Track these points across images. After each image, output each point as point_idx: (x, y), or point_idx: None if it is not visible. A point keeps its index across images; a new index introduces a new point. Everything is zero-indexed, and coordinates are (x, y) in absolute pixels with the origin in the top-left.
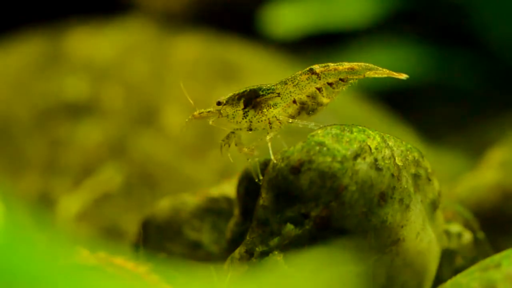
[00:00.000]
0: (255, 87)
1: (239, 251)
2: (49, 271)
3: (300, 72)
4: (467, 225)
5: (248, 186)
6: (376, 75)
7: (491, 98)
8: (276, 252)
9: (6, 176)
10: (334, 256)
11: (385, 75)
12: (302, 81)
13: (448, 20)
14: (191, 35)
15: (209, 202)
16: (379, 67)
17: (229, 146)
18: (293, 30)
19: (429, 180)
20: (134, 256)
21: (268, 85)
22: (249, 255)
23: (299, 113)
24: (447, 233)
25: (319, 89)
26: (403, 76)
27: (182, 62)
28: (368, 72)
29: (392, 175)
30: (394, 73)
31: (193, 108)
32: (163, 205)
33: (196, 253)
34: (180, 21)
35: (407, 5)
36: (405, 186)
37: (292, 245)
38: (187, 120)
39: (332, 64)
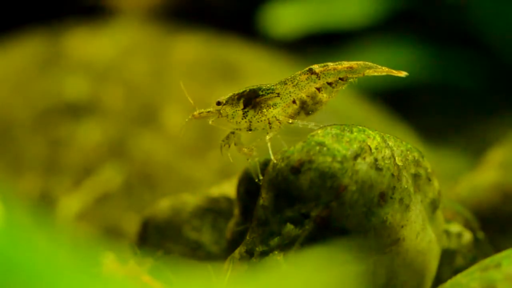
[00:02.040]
0: (254, 87)
1: (239, 251)
2: (50, 271)
3: (299, 72)
4: (467, 225)
5: (248, 186)
6: (376, 73)
7: (491, 98)
8: (276, 252)
9: (6, 176)
10: (334, 256)
11: (385, 73)
12: (302, 81)
13: (448, 20)
14: (191, 35)
15: (209, 202)
16: (378, 65)
17: (229, 146)
18: (293, 29)
19: (429, 180)
20: (134, 256)
21: (268, 85)
22: (249, 255)
23: (298, 113)
24: (447, 233)
25: (318, 89)
26: (403, 74)
27: (182, 62)
28: (367, 71)
29: (392, 175)
30: (394, 71)
31: (193, 108)
32: (163, 205)
33: (196, 253)
34: (161, 18)
35: (407, 5)
36: (405, 186)
37: (292, 245)
38: (187, 120)
39: (331, 64)
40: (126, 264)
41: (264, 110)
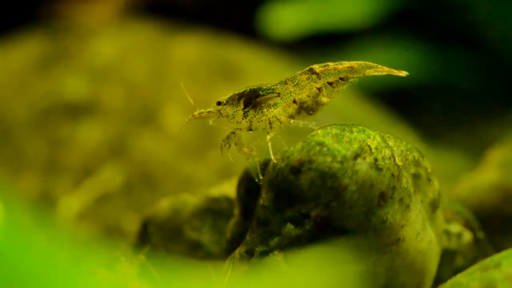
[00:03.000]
0: (255, 87)
1: (239, 251)
2: (50, 271)
3: (300, 72)
4: (467, 225)
5: (248, 186)
6: (376, 73)
7: (491, 98)
8: (276, 252)
9: (6, 176)
10: (334, 256)
11: (385, 73)
12: (302, 81)
13: (448, 20)
14: (191, 35)
15: (209, 202)
16: (379, 65)
17: (229, 146)
18: (293, 30)
19: (429, 180)
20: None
21: (268, 85)
22: (249, 255)
23: (299, 113)
24: (447, 233)
25: (319, 88)
26: (403, 73)
27: (182, 62)
28: (368, 70)
29: (392, 175)
30: (394, 70)
31: (193, 108)
32: (163, 205)
33: (196, 253)
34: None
35: (407, 5)
36: (405, 186)
37: (292, 245)
38: (187, 120)
39: (332, 64)
40: (118, 264)
41: (265, 110)
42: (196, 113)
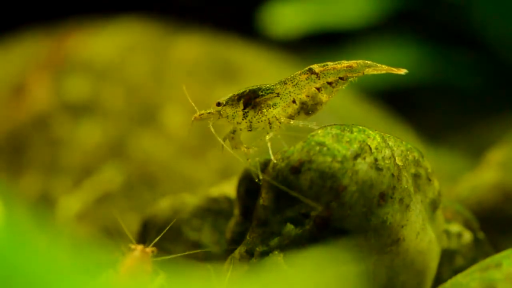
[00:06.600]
0: (254, 87)
1: (239, 251)
2: (50, 271)
3: (299, 72)
4: (467, 225)
5: (248, 186)
6: (376, 72)
7: (491, 98)
8: (276, 252)
9: (6, 176)
10: (334, 256)
11: (384, 71)
12: (302, 81)
13: (448, 20)
14: (191, 35)
15: (209, 202)
16: (378, 64)
17: (231, 144)
18: (293, 29)
19: (429, 180)
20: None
21: (268, 85)
22: (249, 255)
23: (298, 113)
24: (447, 233)
25: (318, 88)
26: (402, 72)
27: (182, 62)
28: (367, 69)
29: (392, 175)
30: (393, 68)
31: (193, 109)
32: (163, 205)
33: (196, 253)
34: None
35: (407, 5)
36: (405, 186)
37: (292, 245)
38: (190, 123)
39: (331, 63)
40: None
41: (264, 110)
42: (196, 114)
